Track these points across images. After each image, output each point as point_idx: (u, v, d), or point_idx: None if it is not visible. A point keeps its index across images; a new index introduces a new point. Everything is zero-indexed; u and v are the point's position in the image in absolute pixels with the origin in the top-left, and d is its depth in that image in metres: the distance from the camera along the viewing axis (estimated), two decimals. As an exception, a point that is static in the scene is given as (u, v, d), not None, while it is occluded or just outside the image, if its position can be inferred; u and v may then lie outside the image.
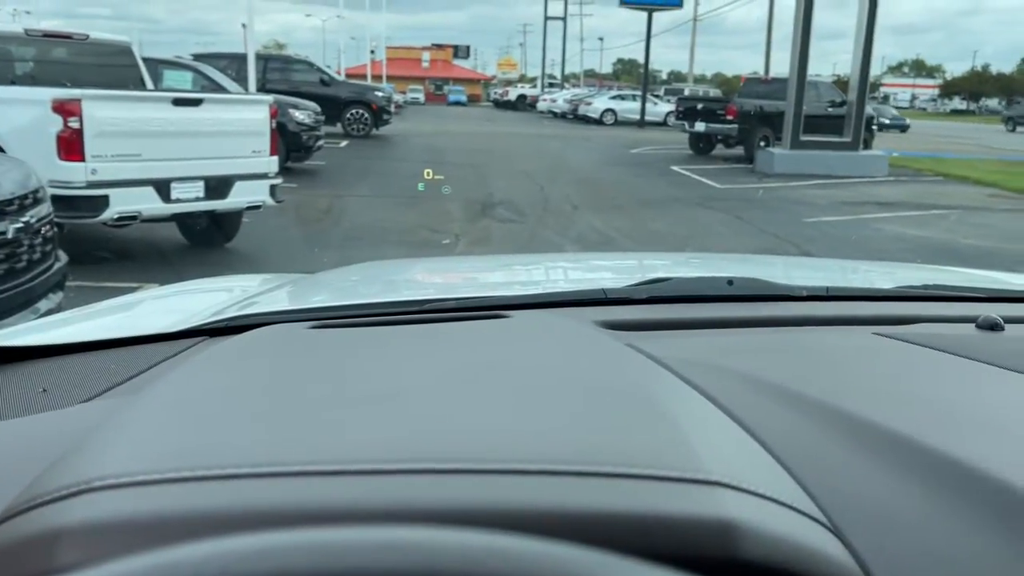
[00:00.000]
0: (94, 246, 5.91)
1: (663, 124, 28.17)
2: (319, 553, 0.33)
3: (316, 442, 0.53)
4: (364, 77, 40.89)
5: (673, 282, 1.18)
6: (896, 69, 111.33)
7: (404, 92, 53.22)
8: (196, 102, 6.04)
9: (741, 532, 0.44)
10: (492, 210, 9.49)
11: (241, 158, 6.17)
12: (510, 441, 0.53)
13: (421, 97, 61.59)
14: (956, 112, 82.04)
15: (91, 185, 5.26)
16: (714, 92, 31.89)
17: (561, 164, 15.55)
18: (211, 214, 6.24)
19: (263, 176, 6.32)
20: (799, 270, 1.91)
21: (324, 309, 1.12)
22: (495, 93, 61.75)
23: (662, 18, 52.13)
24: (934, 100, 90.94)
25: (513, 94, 53.88)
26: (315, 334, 0.86)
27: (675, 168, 15.07)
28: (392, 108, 20.02)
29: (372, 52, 56.22)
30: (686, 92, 30.28)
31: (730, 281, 1.16)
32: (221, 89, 10.30)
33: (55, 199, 3.82)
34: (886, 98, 69.34)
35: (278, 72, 16.43)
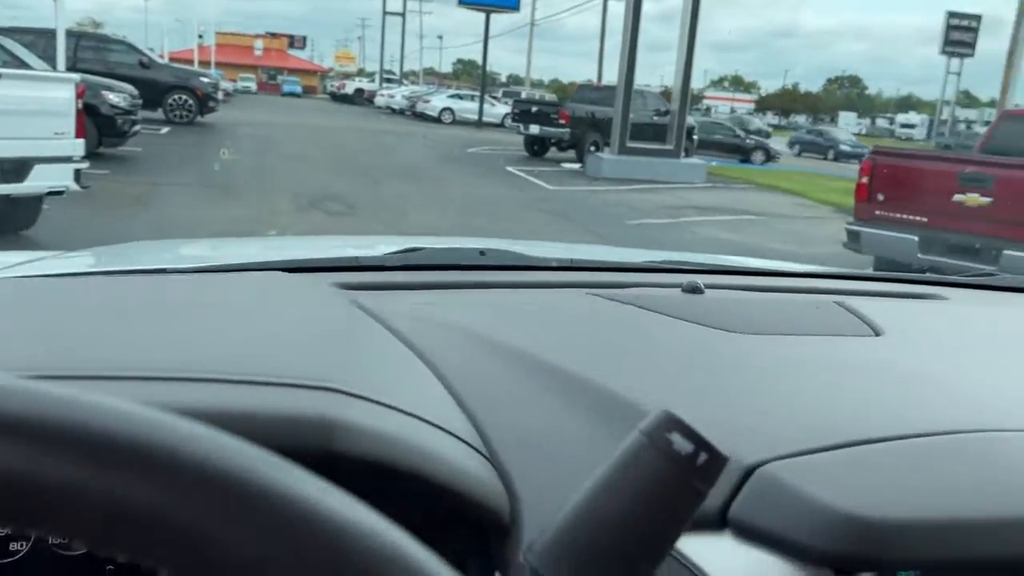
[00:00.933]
0: None
1: (500, 125, 28.59)
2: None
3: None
4: (191, 63, 38.97)
5: (427, 251, 1.22)
6: (718, 83, 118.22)
7: (234, 80, 51.16)
8: (-9, 76, 5.54)
9: (340, 429, 0.54)
10: (322, 203, 9.27)
11: (42, 139, 5.71)
12: (195, 358, 0.64)
13: (253, 86, 59.44)
14: (773, 127, 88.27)
15: None
16: (550, 97, 32.62)
17: (396, 160, 15.42)
18: (6, 198, 5.73)
19: (67, 159, 5.87)
20: (571, 252, 2.04)
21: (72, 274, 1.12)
22: (332, 86, 60.40)
23: (501, 20, 52.89)
24: (750, 114, 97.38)
25: (350, 88, 52.98)
26: (57, 282, 0.92)
27: (510, 168, 15.31)
28: (219, 95, 19.18)
29: (200, 36, 53.65)
30: (523, 95, 30.84)
31: (482, 252, 1.20)
32: (24, 66, 9.47)
33: None
34: (708, 110, 73.51)
35: (92, 51, 15.34)
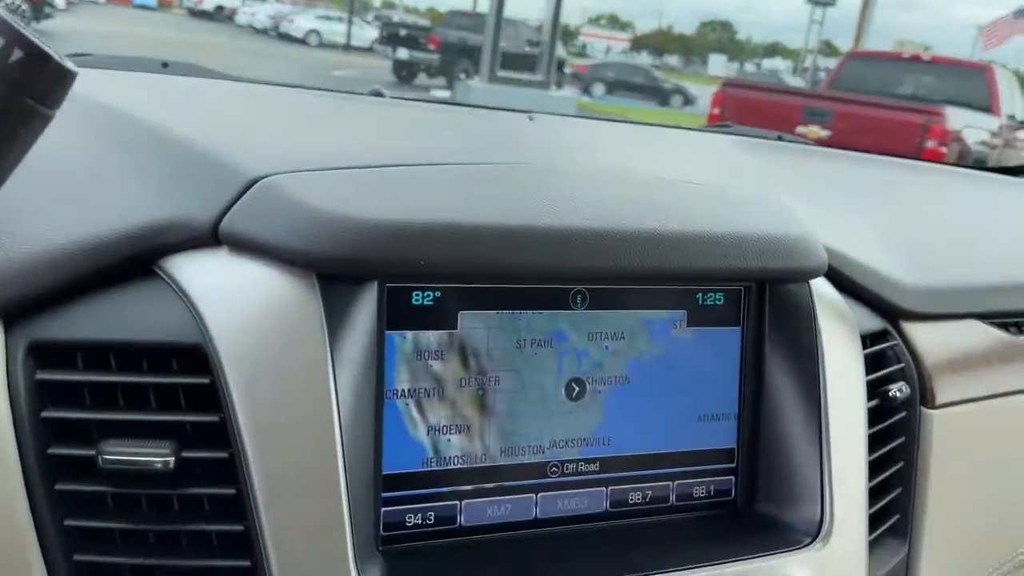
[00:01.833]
0: None
1: (370, 50, 27.65)
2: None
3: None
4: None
5: (98, 57, 1.22)
6: (595, 21, 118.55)
7: (81, -12, 47.20)
8: None
9: None
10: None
11: None
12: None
13: (102, -4, 55.09)
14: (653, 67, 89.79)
15: None
16: (423, 23, 31.77)
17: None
18: None
19: None
20: None
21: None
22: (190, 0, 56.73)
23: (375, -59, 50.74)
24: (625, 53, 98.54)
25: (210, 3, 49.84)
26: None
27: (375, 93, 14.84)
28: (59, 2, 17.63)
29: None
30: (394, 19, 29.91)
31: (165, 63, 1.20)
32: None
33: None
34: (584, 47, 73.78)
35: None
